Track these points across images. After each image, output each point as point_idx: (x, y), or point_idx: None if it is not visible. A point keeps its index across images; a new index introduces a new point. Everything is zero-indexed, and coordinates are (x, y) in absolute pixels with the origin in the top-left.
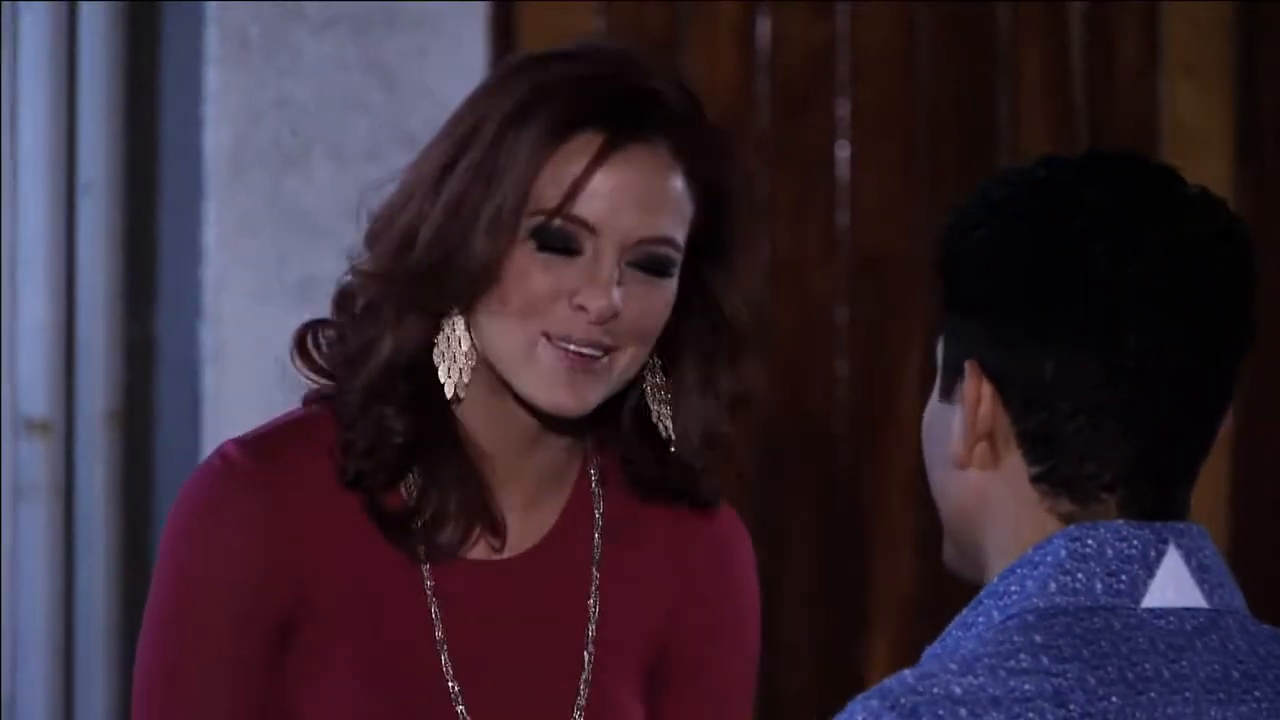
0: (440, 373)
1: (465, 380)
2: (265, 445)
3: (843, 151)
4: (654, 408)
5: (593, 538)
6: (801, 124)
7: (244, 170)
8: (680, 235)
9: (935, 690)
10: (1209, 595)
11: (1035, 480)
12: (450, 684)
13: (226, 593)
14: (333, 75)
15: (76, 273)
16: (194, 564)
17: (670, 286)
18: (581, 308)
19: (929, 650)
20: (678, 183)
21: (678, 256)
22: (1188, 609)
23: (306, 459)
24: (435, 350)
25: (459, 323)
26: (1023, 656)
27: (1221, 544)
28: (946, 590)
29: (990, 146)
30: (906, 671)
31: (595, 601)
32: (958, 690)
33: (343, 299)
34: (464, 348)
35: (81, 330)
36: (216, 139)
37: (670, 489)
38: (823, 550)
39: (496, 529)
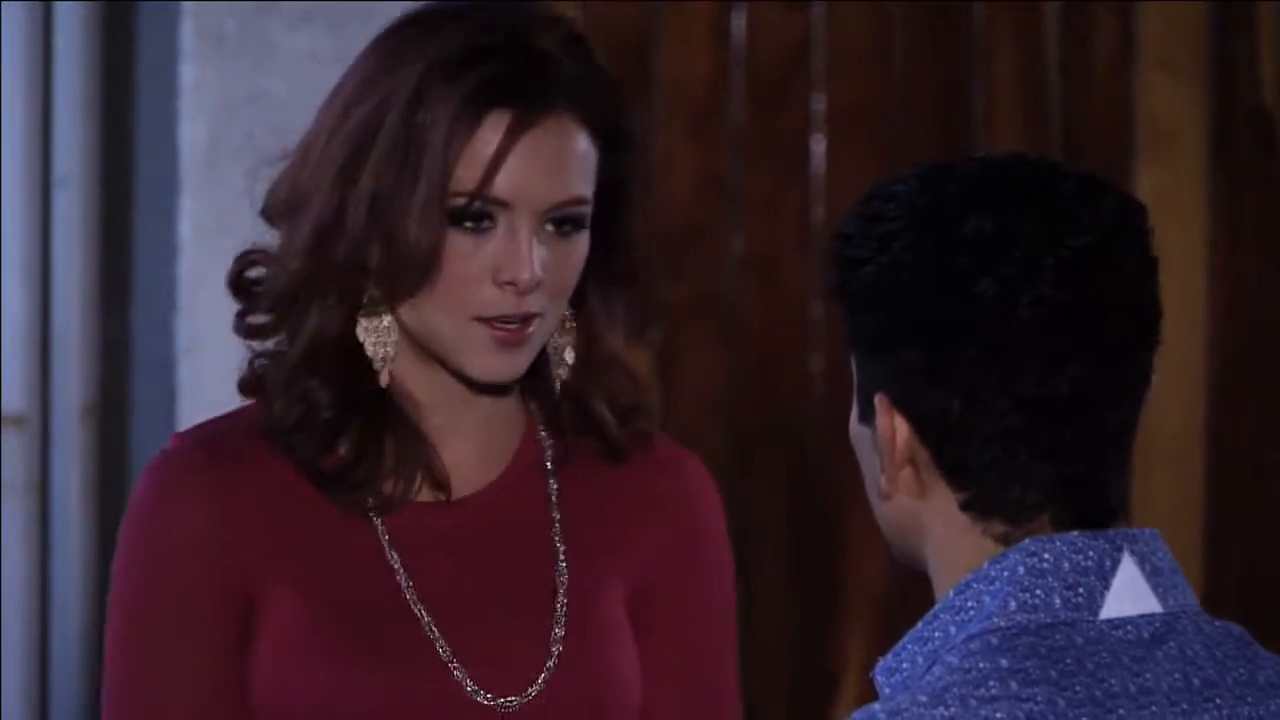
0: (370, 356)
1: (393, 358)
2: (203, 431)
3: (818, 146)
4: (552, 342)
5: (546, 481)
6: (777, 118)
7: (219, 165)
8: (588, 190)
9: None
10: (1163, 599)
11: (964, 507)
12: (421, 615)
13: (187, 572)
14: (308, 70)
15: (52, 267)
16: (151, 550)
17: (584, 238)
18: (508, 283)
19: (883, 664)
20: (581, 143)
21: (588, 210)
22: (1144, 615)
23: (245, 437)
24: (361, 332)
25: (386, 314)
26: (992, 684)
27: (1195, 540)
28: (920, 585)
29: (965, 141)
30: (876, 706)
31: (559, 536)
32: None
33: (244, 282)
34: (393, 337)
35: (57, 325)
36: (192, 134)
37: (577, 421)
38: (796, 546)
39: (438, 479)
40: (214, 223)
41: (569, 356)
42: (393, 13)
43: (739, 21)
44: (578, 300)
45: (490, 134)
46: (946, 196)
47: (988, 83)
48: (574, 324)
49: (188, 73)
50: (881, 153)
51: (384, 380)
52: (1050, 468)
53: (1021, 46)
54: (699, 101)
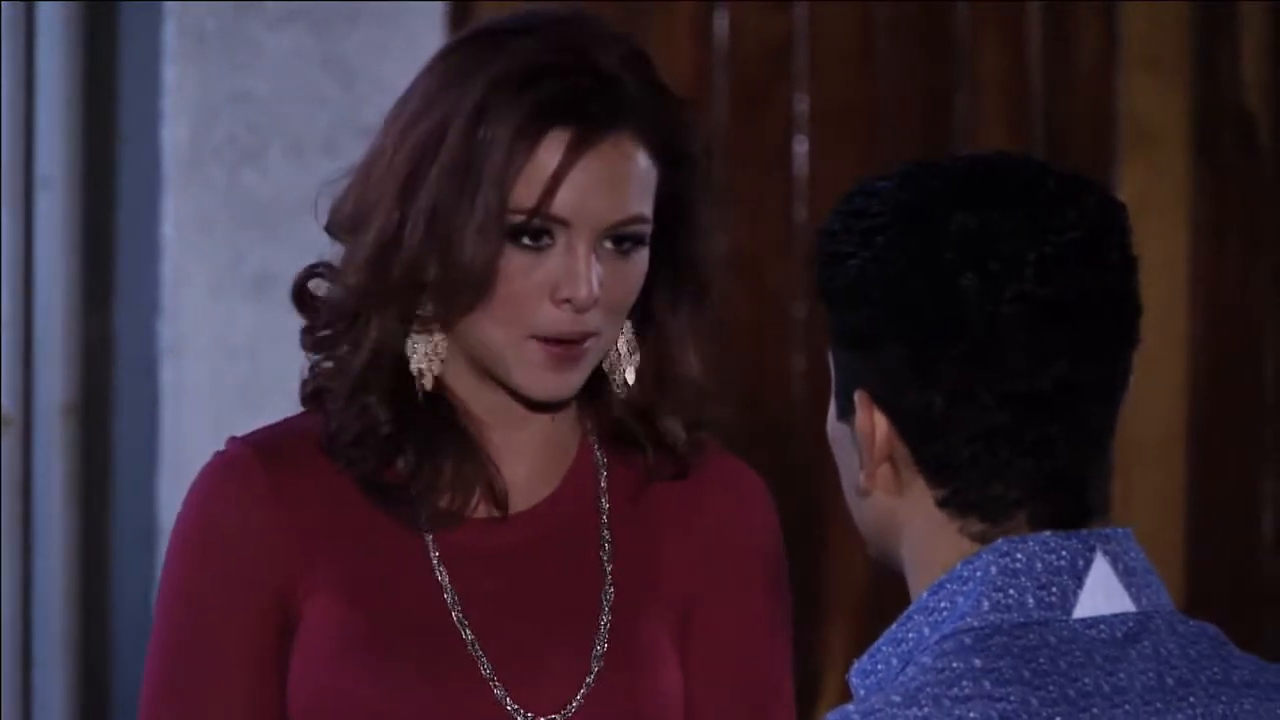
0: (414, 371)
1: (432, 381)
2: (259, 436)
3: (800, 146)
4: (611, 358)
5: (598, 499)
6: (759, 119)
7: (202, 165)
8: (648, 208)
9: None
10: (1137, 598)
11: (941, 504)
12: (464, 631)
13: (232, 578)
14: (291, 70)
15: (34, 268)
16: (200, 547)
17: (643, 255)
18: (565, 300)
19: (858, 666)
20: (641, 162)
21: (648, 227)
22: (1117, 615)
23: (300, 444)
24: (409, 347)
25: (437, 331)
26: (965, 683)
27: (1177, 540)
28: (903, 585)
29: (948, 142)
30: (850, 707)
31: (608, 556)
32: None
33: (306, 295)
34: (440, 354)
35: (39, 325)
36: (174, 134)
37: (648, 438)
38: None
39: (496, 495)
40: (196, 223)
41: (630, 375)
42: (375, 12)
43: (721, 22)
44: (646, 318)
45: (550, 152)
46: (931, 193)
47: (971, 83)
48: (636, 341)
49: (170, 73)
50: (864, 153)
51: (421, 392)
52: (1032, 464)
53: (1005, 46)
54: None
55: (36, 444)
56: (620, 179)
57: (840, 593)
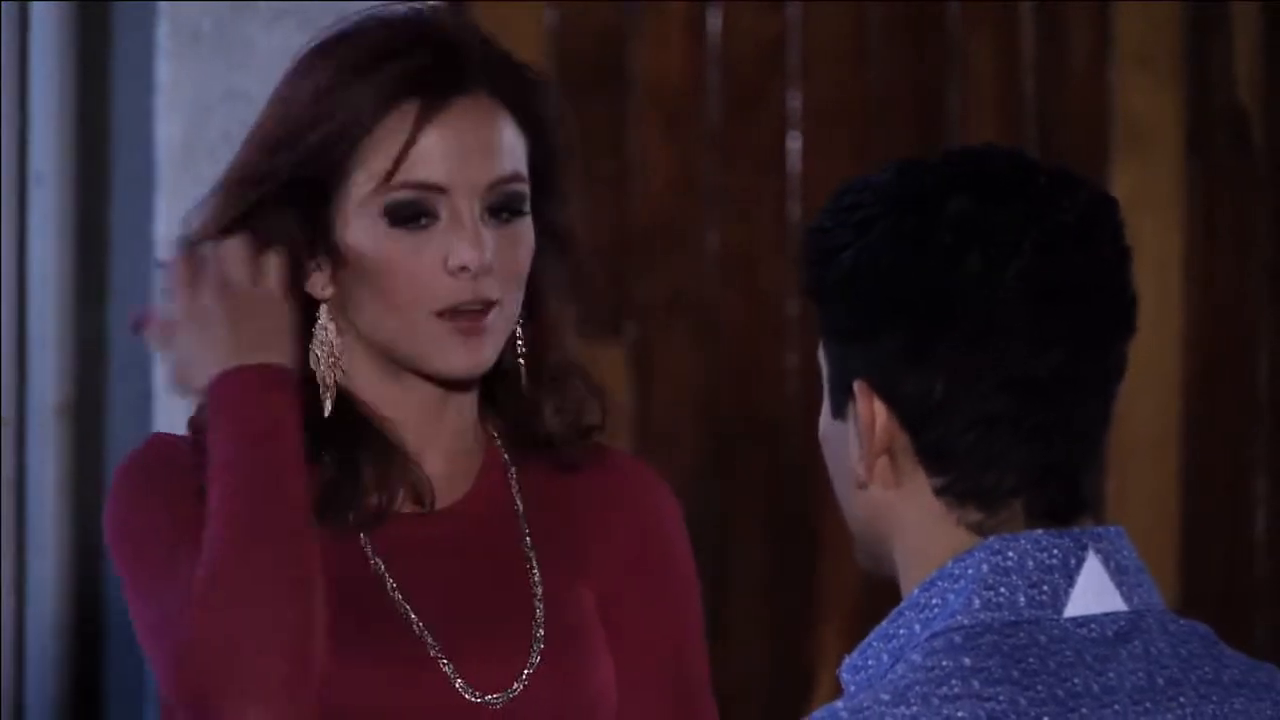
0: (319, 381)
1: (334, 393)
2: (187, 435)
3: (794, 144)
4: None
5: (512, 495)
6: (752, 116)
7: (195, 163)
8: (523, 169)
9: None
10: (1128, 597)
11: (939, 493)
12: (408, 614)
13: (177, 508)
14: (284, 68)
15: (28, 265)
16: (145, 479)
17: (529, 223)
18: (461, 268)
19: (848, 662)
20: (506, 125)
21: (527, 190)
22: (1108, 614)
23: None
24: (313, 359)
25: (330, 327)
26: (954, 682)
27: (1172, 537)
28: (896, 583)
29: (941, 140)
30: (839, 704)
31: (530, 546)
32: None
33: None
34: (337, 358)
35: (33, 323)
36: (168, 132)
37: (547, 433)
38: (772, 543)
39: (420, 490)
40: None
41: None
42: (368, 12)
43: (714, 21)
44: (525, 310)
45: (402, 123)
46: (926, 182)
47: (964, 81)
48: (520, 335)
49: (164, 71)
50: (857, 151)
51: (327, 409)
52: (1029, 452)
53: (997, 45)
54: (674, 101)
55: (30, 443)
56: (487, 138)
57: (834, 589)
